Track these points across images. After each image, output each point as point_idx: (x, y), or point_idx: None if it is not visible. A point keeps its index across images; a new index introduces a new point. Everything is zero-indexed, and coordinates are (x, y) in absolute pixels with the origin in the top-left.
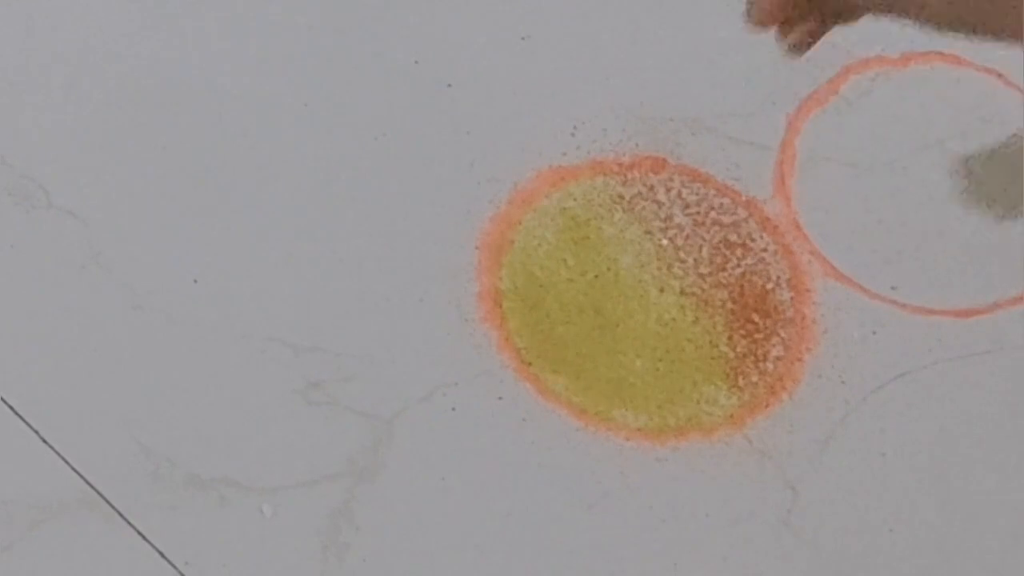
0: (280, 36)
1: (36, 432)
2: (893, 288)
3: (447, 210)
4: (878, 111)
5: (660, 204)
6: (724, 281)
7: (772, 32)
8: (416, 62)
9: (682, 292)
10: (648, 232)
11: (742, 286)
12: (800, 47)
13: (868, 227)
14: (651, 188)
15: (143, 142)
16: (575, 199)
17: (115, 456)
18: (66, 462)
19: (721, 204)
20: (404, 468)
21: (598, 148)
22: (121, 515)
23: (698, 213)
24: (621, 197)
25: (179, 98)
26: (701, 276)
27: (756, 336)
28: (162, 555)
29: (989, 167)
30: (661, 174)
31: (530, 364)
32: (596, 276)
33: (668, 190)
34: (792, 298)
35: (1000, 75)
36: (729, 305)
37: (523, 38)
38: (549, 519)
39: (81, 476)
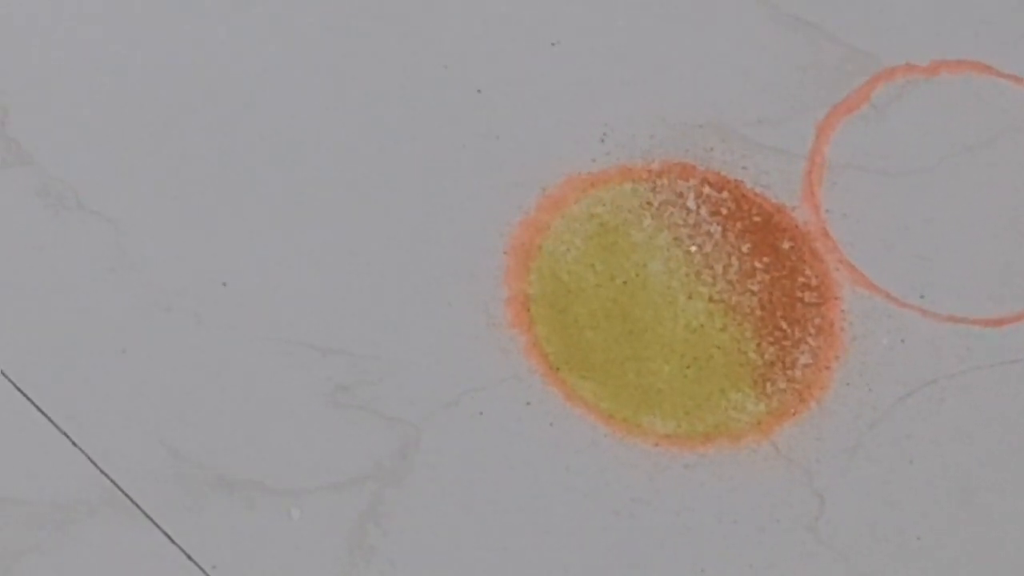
0: (312, 42)
1: (65, 434)
2: (922, 296)
3: (476, 215)
4: (907, 119)
5: (689, 211)
6: (752, 288)
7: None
8: (446, 67)
9: (710, 299)
10: (677, 239)
11: (771, 293)
12: None
13: (897, 235)
14: (680, 195)
15: (172, 145)
16: (604, 205)
17: (143, 458)
18: (94, 464)
19: (750, 211)
20: (431, 472)
21: (627, 154)
22: (149, 517)
23: (727, 220)
24: (650, 203)
25: (208, 102)
26: (729, 283)
27: (784, 343)
28: (189, 557)
29: None
30: (690, 180)
31: (558, 369)
32: (624, 282)
33: (697, 196)
34: (820, 306)
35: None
36: (757, 312)
37: (553, 44)
38: (576, 524)
39: (109, 478)
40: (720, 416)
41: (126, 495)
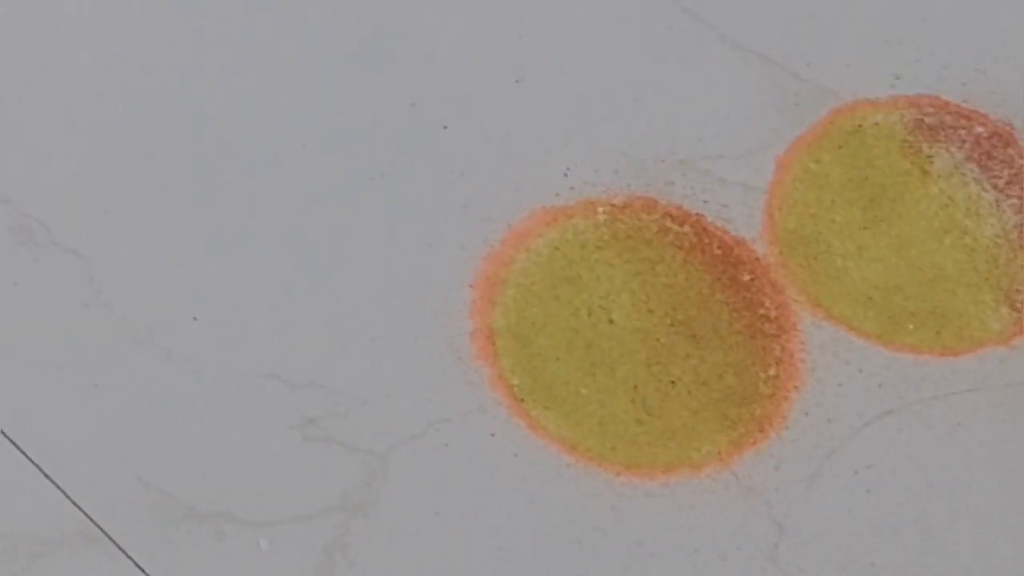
0: (280, 79)
1: (37, 466)
2: (880, 327)
3: (442, 249)
4: (866, 153)
5: (651, 243)
6: (713, 319)
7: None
8: (413, 104)
9: (672, 330)
10: (639, 272)
11: (731, 325)
12: None
13: (855, 266)
14: (642, 228)
15: (144, 181)
16: (567, 239)
17: (115, 490)
18: (67, 496)
19: (711, 244)
20: (398, 503)
21: (590, 189)
22: (120, 548)
23: (688, 253)
24: (613, 237)
25: (179, 139)
26: (690, 314)
27: (744, 374)
28: None
29: None
30: (652, 214)
31: (522, 401)
32: (588, 314)
33: (659, 230)
34: (780, 337)
35: (987, 117)
36: (718, 343)
37: (517, 81)
38: (540, 553)
39: (81, 510)
40: (682, 446)
41: (98, 526)
